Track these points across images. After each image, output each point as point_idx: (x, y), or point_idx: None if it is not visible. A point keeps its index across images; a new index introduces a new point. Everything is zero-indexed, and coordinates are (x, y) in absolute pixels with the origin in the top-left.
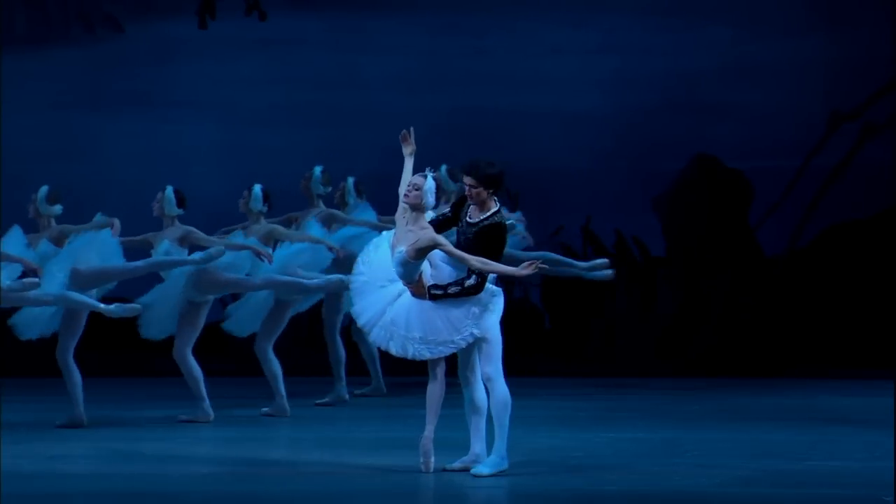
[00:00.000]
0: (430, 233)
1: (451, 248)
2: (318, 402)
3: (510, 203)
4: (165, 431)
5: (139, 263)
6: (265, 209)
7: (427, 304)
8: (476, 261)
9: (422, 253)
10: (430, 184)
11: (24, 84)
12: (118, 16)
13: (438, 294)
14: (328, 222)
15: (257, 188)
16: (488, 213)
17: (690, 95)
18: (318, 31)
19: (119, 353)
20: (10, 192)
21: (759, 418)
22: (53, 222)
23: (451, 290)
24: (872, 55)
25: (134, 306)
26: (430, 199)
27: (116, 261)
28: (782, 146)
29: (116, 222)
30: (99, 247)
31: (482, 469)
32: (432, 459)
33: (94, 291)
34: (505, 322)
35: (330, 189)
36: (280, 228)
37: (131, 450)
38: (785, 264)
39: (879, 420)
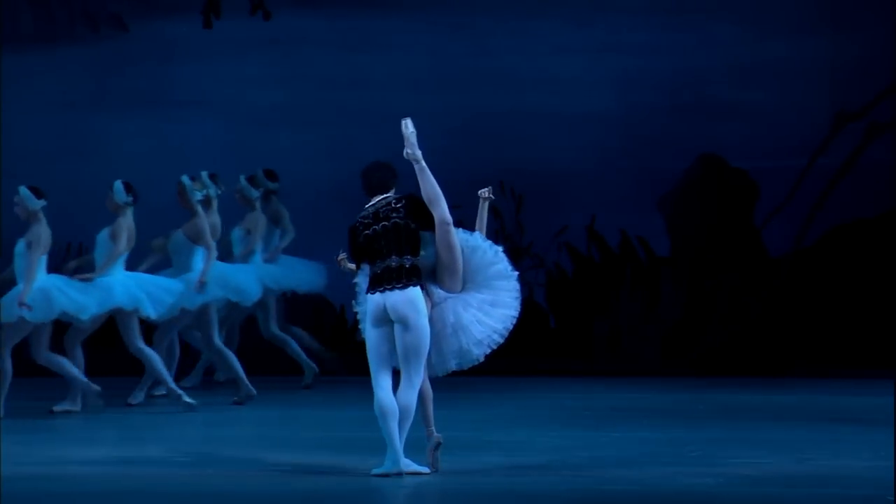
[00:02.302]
0: None
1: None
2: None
3: (514, 203)
4: (160, 430)
5: None
6: (130, 200)
7: None
8: None
9: None
10: None
11: (29, 83)
12: (123, 15)
13: None
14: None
15: (117, 183)
16: None
17: (695, 95)
18: (322, 30)
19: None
20: (13, 191)
21: (763, 417)
22: None
23: None
24: (877, 55)
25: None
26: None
27: None
28: (787, 146)
29: None
30: None
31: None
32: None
33: None
34: None
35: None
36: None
37: (133, 450)
38: (790, 264)
39: (884, 420)
